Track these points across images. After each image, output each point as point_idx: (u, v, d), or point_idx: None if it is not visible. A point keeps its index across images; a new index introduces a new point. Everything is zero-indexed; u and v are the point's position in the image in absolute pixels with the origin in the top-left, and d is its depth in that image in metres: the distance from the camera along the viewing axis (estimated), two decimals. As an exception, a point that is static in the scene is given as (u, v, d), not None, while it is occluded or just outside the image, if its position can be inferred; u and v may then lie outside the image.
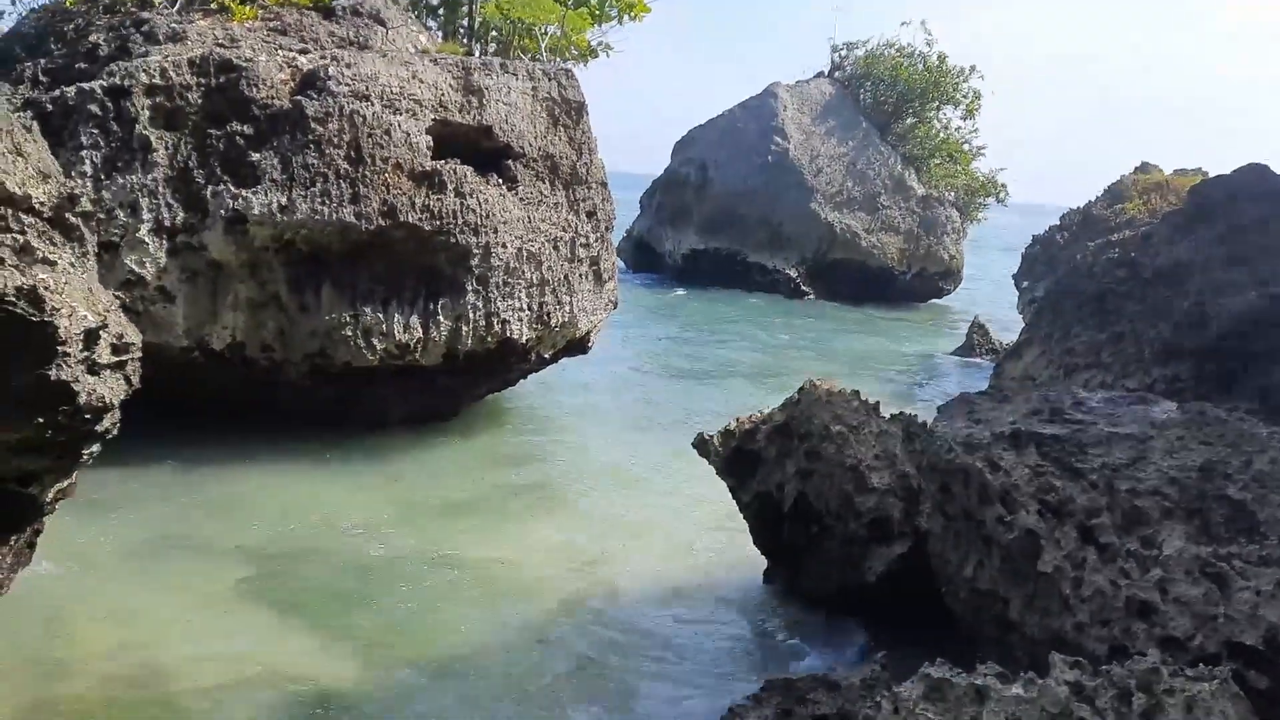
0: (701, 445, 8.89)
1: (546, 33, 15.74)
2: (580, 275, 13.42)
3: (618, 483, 11.54)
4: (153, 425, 8.69)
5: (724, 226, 32.87)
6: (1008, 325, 24.58)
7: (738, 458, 8.76)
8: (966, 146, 35.82)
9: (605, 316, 14.66)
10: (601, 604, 8.08)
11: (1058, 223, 27.82)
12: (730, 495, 8.82)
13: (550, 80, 13.13)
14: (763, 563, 8.66)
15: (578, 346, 14.22)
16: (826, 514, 8.05)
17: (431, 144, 11.65)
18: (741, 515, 8.79)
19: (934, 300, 34.54)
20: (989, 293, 35.85)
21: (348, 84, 11.12)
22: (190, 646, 6.93)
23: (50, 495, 6.70)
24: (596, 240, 13.71)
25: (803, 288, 32.27)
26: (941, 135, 35.46)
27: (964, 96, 34.75)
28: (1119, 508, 5.42)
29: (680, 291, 31.27)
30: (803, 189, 32.07)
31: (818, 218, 32.08)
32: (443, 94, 11.95)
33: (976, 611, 6.16)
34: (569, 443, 13.36)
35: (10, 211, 6.48)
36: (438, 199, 11.48)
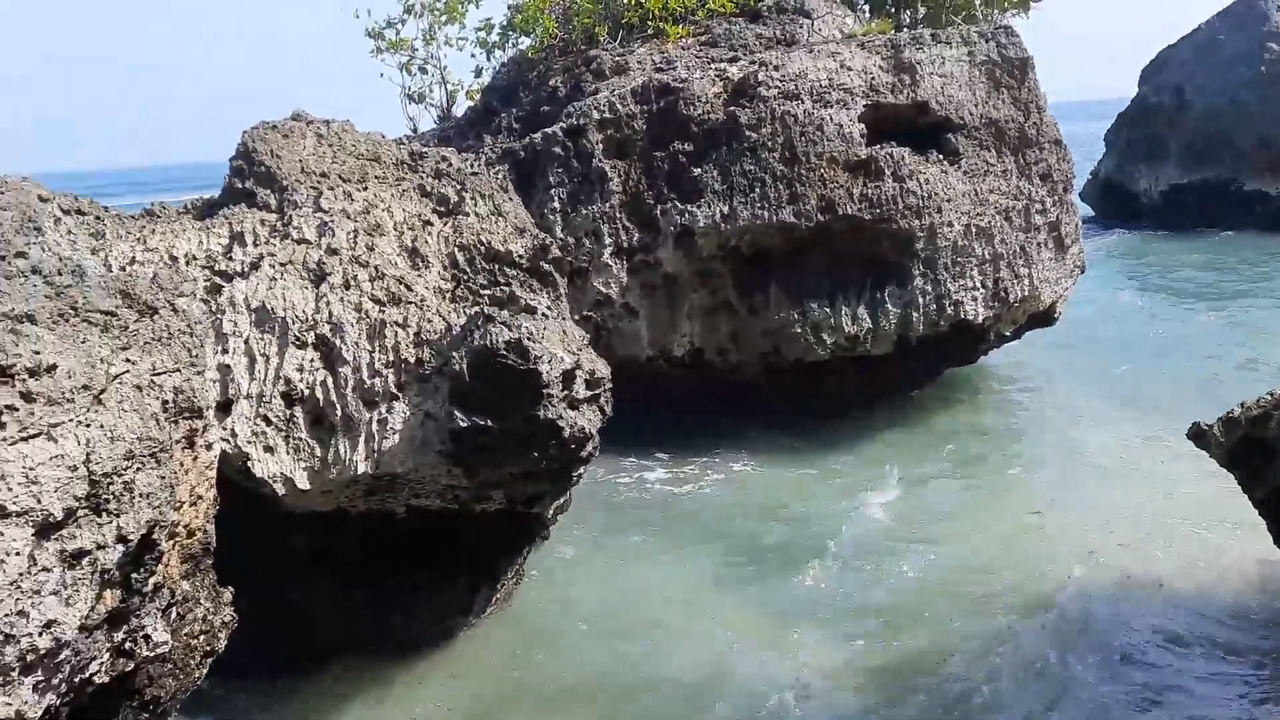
0: (1199, 436, 7.75)
1: (980, -16, 14.74)
2: (1038, 244, 12.41)
3: (1103, 470, 10.46)
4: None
5: (1210, 153, 28.80)
6: None
7: (1246, 448, 7.53)
8: None
9: (1072, 284, 13.44)
10: (1079, 615, 7.37)
11: None
12: (1241, 489, 7.62)
13: (988, 42, 12.26)
14: None
15: (1042, 320, 13.20)
16: (1372, 515, 6.68)
17: (864, 131, 11.41)
18: (1256, 512, 7.57)
19: None
20: None
21: (776, 86, 11.23)
22: (660, 634, 7.48)
23: (550, 512, 7.56)
24: (1054, 204, 12.59)
25: (1320, 214, 27.34)
26: None
27: None
28: None
29: (1162, 235, 27.84)
30: (1312, 96, 27.10)
31: (1335, 127, 26.94)
32: (872, 77, 11.65)
33: None
34: (1041, 422, 12.41)
35: (496, 267, 7.36)
36: (875, 186, 11.22)
